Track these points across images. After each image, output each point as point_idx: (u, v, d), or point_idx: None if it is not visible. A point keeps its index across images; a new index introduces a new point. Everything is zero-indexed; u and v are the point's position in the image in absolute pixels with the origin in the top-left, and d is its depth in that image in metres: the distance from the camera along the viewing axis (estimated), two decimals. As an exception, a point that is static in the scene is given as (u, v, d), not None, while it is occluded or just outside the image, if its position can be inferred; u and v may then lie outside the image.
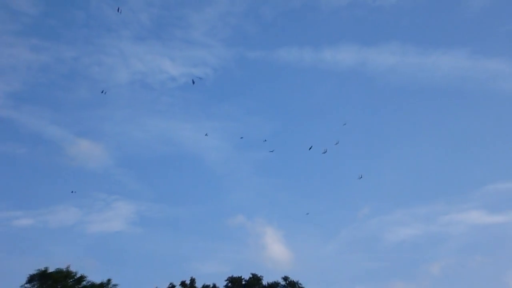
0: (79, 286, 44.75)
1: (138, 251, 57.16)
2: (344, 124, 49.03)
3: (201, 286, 46.58)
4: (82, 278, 45.07)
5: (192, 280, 46.58)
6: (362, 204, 57.18)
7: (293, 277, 46.44)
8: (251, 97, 64.91)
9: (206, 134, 72.23)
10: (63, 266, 44.99)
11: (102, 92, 43.73)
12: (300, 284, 45.60)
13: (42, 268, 44.88)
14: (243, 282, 46.48)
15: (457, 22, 67.84)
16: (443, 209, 55.62)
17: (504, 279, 53.24)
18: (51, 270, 44.85)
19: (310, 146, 39.39)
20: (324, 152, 36.73)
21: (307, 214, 60.20)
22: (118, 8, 41.61)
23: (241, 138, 59.26)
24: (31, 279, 44.89)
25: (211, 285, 46.28)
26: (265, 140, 62.57)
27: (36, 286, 44.68)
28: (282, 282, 46.40)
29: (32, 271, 45.23)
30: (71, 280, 44.76)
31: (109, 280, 45.20)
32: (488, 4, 67.74)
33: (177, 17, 63.58)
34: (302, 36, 63.38)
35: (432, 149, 60.70)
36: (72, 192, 42.83)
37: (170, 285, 46.63)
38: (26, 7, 56.14)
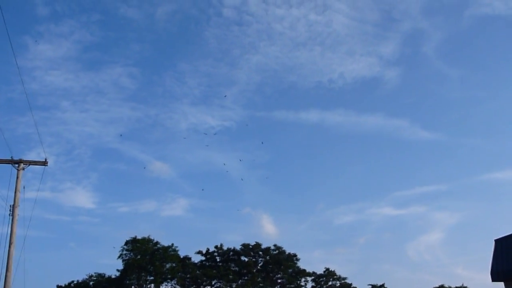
0: (155, 247, 71.51)
1: (189, 227, 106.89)
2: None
3: (225, 248, 76.61)
4: (157, 243, 67.74)
5: (221, 245, 76.38)
6: (320, 201, 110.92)
7: (279, 244, 77.51)
8: (257, 140, 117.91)
9: (240, 160, 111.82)
10: (146, 236, 69.71)
11: (144, 167, 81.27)
12: (283, 248, 77.65)
13: (133, 236, 68.53)
14: (250, 246, 77.47)
15: (377, 97, 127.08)
16: (368, 205, 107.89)
17: (402, 248, 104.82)
18: (138, 237, 69.71)
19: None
20: None
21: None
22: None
23: (240, 160, 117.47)
24: (127, 243, 68.19)
25: (232, 247, 76.52)
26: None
27: (129, 247, 70.35)
28: (273, 247, 78.33)
29: (127, 238, 68.47)
30: (150, 243, 71.88)
31: (172, 244, 70.86)
32: (396, 87, 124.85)
33: (216, 92, 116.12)
34: (288, 104, 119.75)
35: (363, 170, 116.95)
36: (144, 168, 67.49)
37: (207, 248, 75.85)
38: (128, 83, 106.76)
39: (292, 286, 74.69)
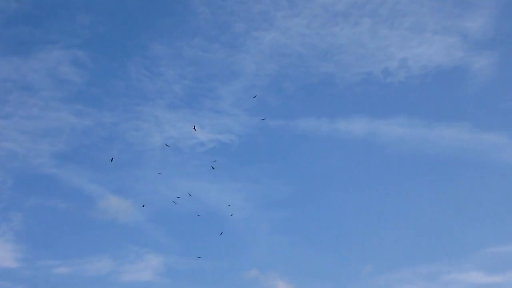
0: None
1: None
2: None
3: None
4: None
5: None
6: (366, 261, 60.78)
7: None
8: (272, 162, 69.18)
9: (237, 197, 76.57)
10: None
11: (111, 160, 51.56)
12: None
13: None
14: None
15: (460, 99, 72.21)
16: (445, 269, 60.41)
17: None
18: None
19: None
20: None
21: None
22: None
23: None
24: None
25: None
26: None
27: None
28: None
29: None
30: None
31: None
32: (489, 83, 71.73)
33: (207, 89, 71.23)
34: (319, 108, 71.17)
35: (436, 213, 65.71)
36: (111, 160, 50.32)
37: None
38: (72, 75, 65.66)
39: None
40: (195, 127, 54.20)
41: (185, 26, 72.72)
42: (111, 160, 51.41)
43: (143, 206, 52.15)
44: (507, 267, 54.71)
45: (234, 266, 56.26)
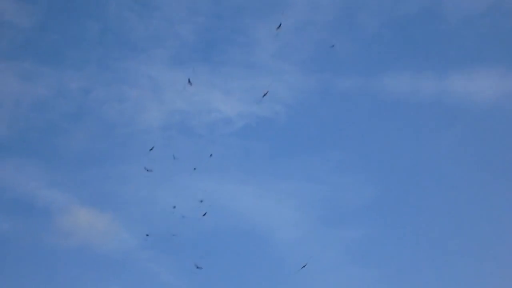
0: None
1: None
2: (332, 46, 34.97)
3: None
4: None
5: None
6: None
7: None
8: (341, 147, 36.53)
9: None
10: None
11: (150, 149, 27.38)
12: None
13: None
14: None
15: None
16: None
17: None
18: None
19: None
20: None
21: None
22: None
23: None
24: None
25: None
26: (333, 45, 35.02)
27: None
28: None
29: None
30: None
31: None
32: None
33: (233, 29, 38.29)
34: (419, 57, 38.09)
35: None
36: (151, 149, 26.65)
37: None
38: (18, 17, 36.43)
39: None
40: (190, 81, 25.83)
41: None
42: (150, 150, 27.66)
43: (147, 235, 28.42)
44: None
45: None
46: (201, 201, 26.10)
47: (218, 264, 30.94)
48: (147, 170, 26.74)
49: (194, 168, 27.21)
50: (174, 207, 26.94)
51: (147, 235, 27.81)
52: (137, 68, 39.68)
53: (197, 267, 24.28)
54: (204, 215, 25.22)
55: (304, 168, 36.79)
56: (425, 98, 37.44)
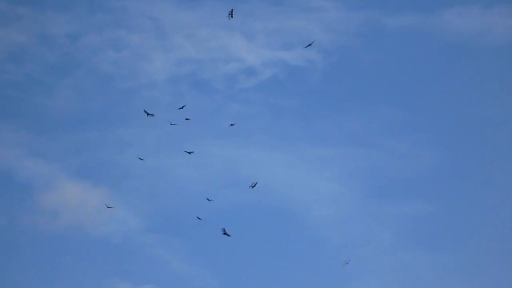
0: None
1: None
2: None
3: None
4: None
5: None
6: None
7: None
8: (393, 102, 29.32)
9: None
10: None
11: (231, 125, 22.00)
12: None
13: None
14: None
15: None
16: None
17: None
18: None
19: None
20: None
21: None
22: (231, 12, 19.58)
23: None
24: None
25: None
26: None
27: None
28: None
29: None
30: None
31: None
32: None
33: None
34: None
35: None
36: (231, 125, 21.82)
37: None
38: None
39: None
40: (232, 12, 20.57)
41: None
42: (231, 125, 22.86)
43: (198, 218, 21.73)
44: None
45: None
46: (191, 152, 21.70)
47: (242, 248, 24.96)
48: (148, 114, 22.16)
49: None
50: (209, 200, 21.45)
51: (198, 217, 21.43)
52: (136, 8, 32.87)
53: (225, 234, 19.69)
54: (254, 185, 20.10)
55: (346, 129, 29.93)
56: (497, 39, 30.56)
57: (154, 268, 24.13)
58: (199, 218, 21.17)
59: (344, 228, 25.53)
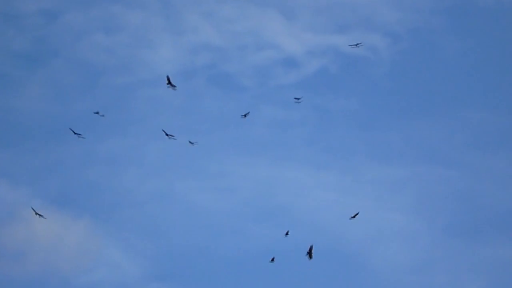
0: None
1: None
2: None
3: None
4: None
5: None
6: None
7: None
8: (487, 105, 25.31)
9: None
10: None
11: (96, 113, 18.39)
12: None
13: None
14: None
15: None
16: None
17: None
18: None
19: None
20: None
21: None
22: None
23: None
24: None
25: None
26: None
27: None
28: None
29: None
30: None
31: None
32: None
33: None
34: None
35: None
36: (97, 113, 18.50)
37: None
38: None
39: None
40: None
41: None
42: (98, 114, 19.65)
43: (286, 234, 18.76)
44: None
45: None
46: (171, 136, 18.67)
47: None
48: (168, 136, 19.01)
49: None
50: (191, 142, 19.30)
51: (286, 234, 18.13)
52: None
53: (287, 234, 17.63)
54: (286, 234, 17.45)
55: (422, 142, 23.95)
56: None
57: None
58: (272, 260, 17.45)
59: (421, 277, 20.50)
